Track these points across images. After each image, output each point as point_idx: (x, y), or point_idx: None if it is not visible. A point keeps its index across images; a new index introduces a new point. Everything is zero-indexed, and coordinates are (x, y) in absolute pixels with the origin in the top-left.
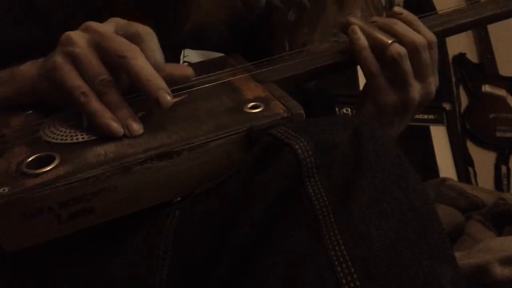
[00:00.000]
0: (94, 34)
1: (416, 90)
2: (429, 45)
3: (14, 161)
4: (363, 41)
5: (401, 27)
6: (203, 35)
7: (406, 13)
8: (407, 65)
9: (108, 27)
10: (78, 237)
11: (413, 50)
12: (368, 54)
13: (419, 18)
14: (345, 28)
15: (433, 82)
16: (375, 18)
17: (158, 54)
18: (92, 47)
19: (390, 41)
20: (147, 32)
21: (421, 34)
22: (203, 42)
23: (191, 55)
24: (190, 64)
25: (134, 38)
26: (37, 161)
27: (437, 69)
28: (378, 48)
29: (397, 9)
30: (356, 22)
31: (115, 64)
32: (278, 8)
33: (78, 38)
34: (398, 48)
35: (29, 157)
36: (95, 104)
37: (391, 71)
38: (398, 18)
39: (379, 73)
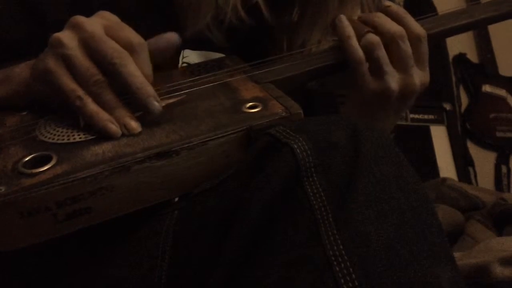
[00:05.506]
0: (84, 34)
1: (393, 79)
2: (416, 38)
3: (10, 161)
4: (349, 29)
5: (379, 18)
6: (203, 38)
7: (394, 6)
8: (381, 53)
9: (97, 24)
10: (77, 238)
11: (389, 40)
12: (353, 43)
13: (419, 19)
14: (334, 24)
15: (417, 75)
16: (361, 14)
17: (147, 66)
18: (83, 48)
19: (365, 31)
20: (140, 43)
21: (409, 27)
22: (202, 43)
23: (191, 56)
24: (189, 65)
25: (125, 47)
26: (34, 161)
27: (428, 64)
28: (358, 38)
29: (386, 2)
30: (343, 16)
31: (106, 68)
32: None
33: (68, 39)
34: (370, 38)
35: (25, 157)
36: (92, 107)
37: (368, 60)
38: (385, 11)
39: (363, 61)
